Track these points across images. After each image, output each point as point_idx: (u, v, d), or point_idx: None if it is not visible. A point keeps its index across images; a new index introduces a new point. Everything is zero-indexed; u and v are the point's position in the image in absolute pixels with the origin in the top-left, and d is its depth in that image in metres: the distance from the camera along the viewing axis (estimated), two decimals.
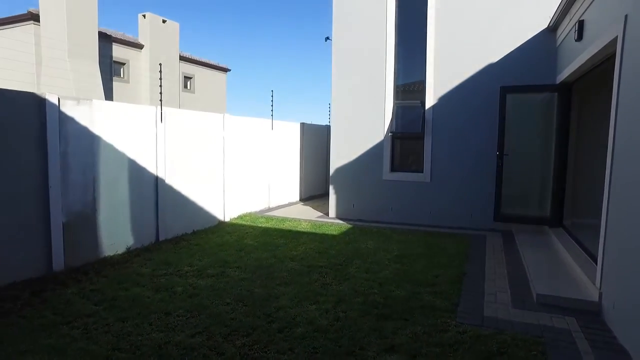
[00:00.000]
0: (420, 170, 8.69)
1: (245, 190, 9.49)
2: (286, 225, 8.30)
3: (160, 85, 6.98)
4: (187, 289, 4.85)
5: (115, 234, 6.19)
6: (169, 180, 7.15)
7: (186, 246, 6.69)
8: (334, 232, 7.76)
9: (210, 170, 8.21)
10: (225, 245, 6.77)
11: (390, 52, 8.66)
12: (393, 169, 8.89)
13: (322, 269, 5.60)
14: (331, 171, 9.35)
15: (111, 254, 6.07)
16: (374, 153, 8.91)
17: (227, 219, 8.70)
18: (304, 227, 8.16)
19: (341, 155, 9.20)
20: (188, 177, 7.61)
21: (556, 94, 7.15)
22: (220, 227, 8.10)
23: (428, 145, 8.49)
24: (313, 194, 12.67)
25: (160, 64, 7.92)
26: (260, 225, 8.33)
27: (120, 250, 6.24)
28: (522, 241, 6.81)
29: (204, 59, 20.73)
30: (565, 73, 6.75)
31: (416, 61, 8.67)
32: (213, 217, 8.34)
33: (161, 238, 6.98)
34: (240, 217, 9.08)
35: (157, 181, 6.91)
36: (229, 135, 8.66)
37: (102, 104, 6.03)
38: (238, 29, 49.68)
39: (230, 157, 8.73)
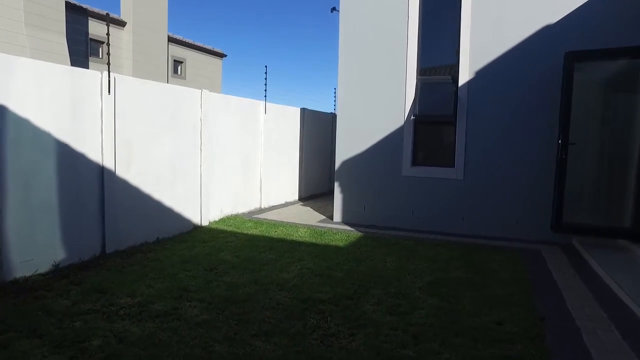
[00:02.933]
0: (450, 164, 6.85)
1: (230, 186, 7.69)
2: (279, 233, 6.49)
3: (108, 44, 5.17)
4: (107, 342, 3.06)
5: (34, 246, 4.39)
6: (122, 173, 5.36)
7: (140, 262, 4.90)
8: (340, 243, 5.94)
9: (183, 161, 6.41)
10: (192, 261, 4.98)
11: (413, 9, 6.82)
12: (415, 162, 7.06)
13: (323, 305, 3.79)
14: (337, 165, 7.52)
15: (26, 275, 4.29)
16: (391, 142, 7.08)
17: (205, 223, 6.91)
18: (301, 236, 6.35)
19: (349, 144, 7.38)
20: (151, 169, 5.81)
21: None
22: (194, 234, 6.30)
23: (461, 133, 6.65)
24: (315, 193, 10.86)
25: (107, 14, 6.11)
26: (246, 231, 6.52)
27: (43, 268, 4.46)
28: (600, 260, 4.96)
29: (197, 43, 18.92)
30: None
31: (446, 26, 6.83)
32: (186, 221, 6.55)
33: (109, 249, 5.19)
34: (222, 220, 7.27)
35: (102, 174, 5.11)
36: (209, 117, 6.85)
37: (13, 60, 4.23)
38: (236, 12, 47.45)
39: (210, 144, 6.92)
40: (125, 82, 5.40)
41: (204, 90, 6.82)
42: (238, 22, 46.91)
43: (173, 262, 4.91)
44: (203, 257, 5.16)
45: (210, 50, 19.84)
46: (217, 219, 7.27)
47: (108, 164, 5.15)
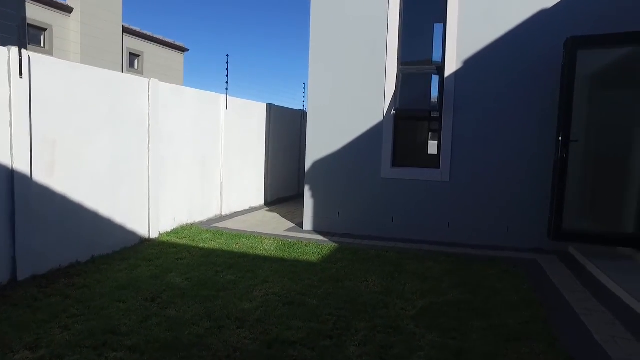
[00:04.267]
0: (434, 165, 6.14)
1: (185, 191, 6.69)
2: (241, 246, 5.57)
3: (24, 18, 4.13)
4: None
5: None
6: (41, 177, 4.30)
7: (61, 291, 3.87)
8: (312, 258, 5.09)
9: (127, 162, 5.38)
10: (131, 286, 3.99)
11: None
12: (396, 163, 6.31)
13: (294, 349, 2.92)
14: (307, 166, 6.67)
15: None
16: (368, 140, 6.29)
17: (154, 235, 5.89)
18: (266, 249, 5.45)
19: (321, 143, 6.53)
20: (83, 172, 4.76)
21: None
22: (140, 249, 5.28)
23: (447, 129, 5.95)
24: (283, 196, 9.97)
25: None
26: (202, 245, 5.56)
27: None
28: (609, 272, 4.33)
29: (156, 35, 17.59)
30: None
31: (432, 11, 6.12)
32: (131, 234, 5.51)
33: (22, 275, 4.10)
34: (176, 231, 6.27)
35: (12, 179, 4.04)
36: (159, 112, 5.84)
37: None
38: (200, 5, 45.43)
39: (160, 143, 5.91)
40: (45, 64, 4.34)
41: (152, 79, 5.80)
42: (202, 16, 45.21)
43: (105, 290, 3.90)
44: (145, 280, 4.17)
45: (171, 43, 18.56)
46: (169, 230, 6.25)
47: (21, 166, 4.07)
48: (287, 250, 5.41)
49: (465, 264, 4.91)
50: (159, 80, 5.92)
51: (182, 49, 19.40)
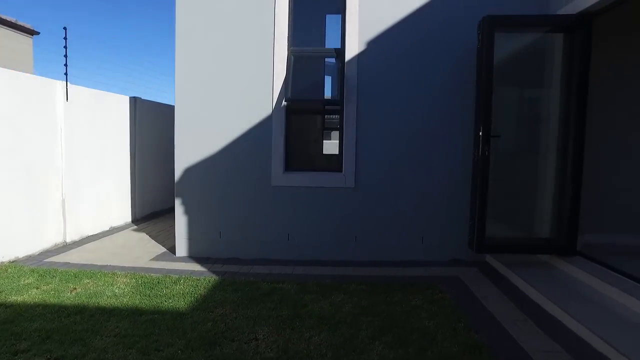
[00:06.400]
0: (337, 168, 5.10)
1: (2, 212, 4.73)
2: (79, 293, 3.88)
3: None
4: None
5: None
6: None
7: None
8: (182, 304, 3.66)
9: None
10: None
11: None
12: (290, 167, 5.13)
13: None
14: (177, 174, 5.15)
15: None
16: (254, 139, 5.01)
17: None
18: (117, 294, 3.87)
19: (194, 145, 5.07)
20: None
21: (575, 32, 4.20)
22: None
23: (350, 125, 4.93)
24: (159, 209, 8.19)
25: None
26: (12, 299, 3.74)
27: None
28: (543, 290, 3.67)
29: None
30: None
31: None
32: None
33: None
34: None
35: None
36: None
37: None
38: None
39: None
40: None
41: None
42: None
43: None
44: None
45: (13, 23, 15.14)
46: None
47: None
48: (148, 293, 3.89)
49: (384, 293, 3.91)
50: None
51: (30, 31, 16.01)
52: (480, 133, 4.15)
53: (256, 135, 4.97)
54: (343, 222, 5.02)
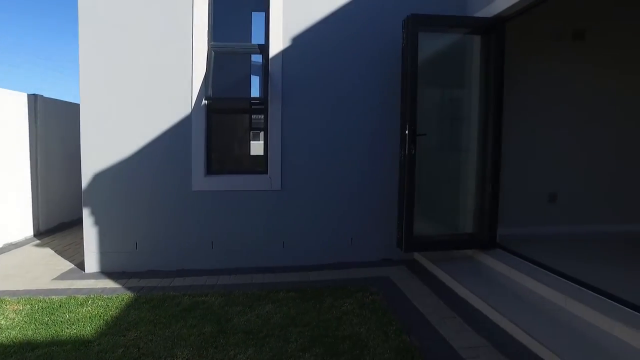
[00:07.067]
0: (262, 170, 4.87)
1: None
2: None
3: None
4: None
5: None
6: None
7: None
8: (87, 330, 3.22)
9: None
10: None
11: None
12: (212, 170, 4.81)
13: None
14: (85, 181, 4.60)
15: None
16: (172, 140, 4.62)
17: None
18: (2, 327, 3.31)
19: (105, 148, 4.57)
20: None
21: (491, 35, 4.35)
22: None
23: (275, 124, 4.73)
24: (67, 220, 7.37)
25: None
26: None
27: None
28: (468, 285, 3.75)
29: None
30: (506, 0, 4.00)
31: None
32: None
33: None
34: None
35: None
36: None
37: None
38: None
39: None
40: None
41: None
42: None
43: None
44: None
45: None
46: None
47: None
48: (46, 320, 3.39)
49: (313, 300, 3.76)
50: None
51: None
52: (407, 132, 4.16)
53: (174, 136, 4.59)
54: (270, 227, 4.80)
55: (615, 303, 3.01)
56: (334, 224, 4.89)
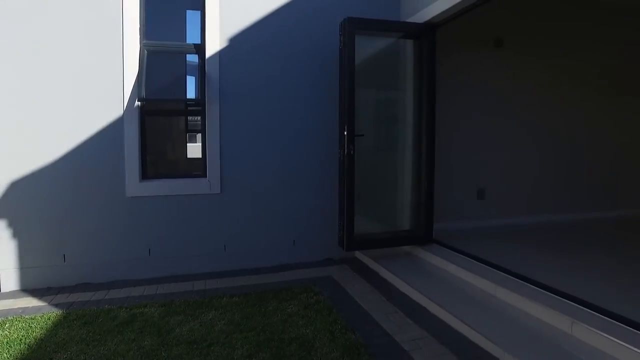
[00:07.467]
0: (200, 173, 4.73)
1: None
2: None
3: None
4: None
5: None
6: None
7: None
8: (6, 357, 2.94)
9: None
10: None
11: None
12: (148, 174, 4.59)
13: None
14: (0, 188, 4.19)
15: None
16: (104, 145, 4.34)
17: None
18: None
19: (25, 152, 4.18)
20: None
21: (422, 39, 4.57)
22: None
23: (214, 126, 4.61)
24: None
25: None
26: None
27: None
28: (408, 279, 3.90)
29: None
30: (436, 7, 4.21)
31: None
32: None
33: None
34: None
35: None
36: None
37: None
38: None
39: None
40: None
41: None
42: None
43: None
44: None
45: None
46: None
47: None
48: None
49: (257, 304, 3.71)
50: None
51: None
52: (345, 132, 4.25)
53: (106, 139, 4.31)
54: (211, 231, 4.68)
55: (535, 287, 3.30)
56: (276, 226, 4.87)
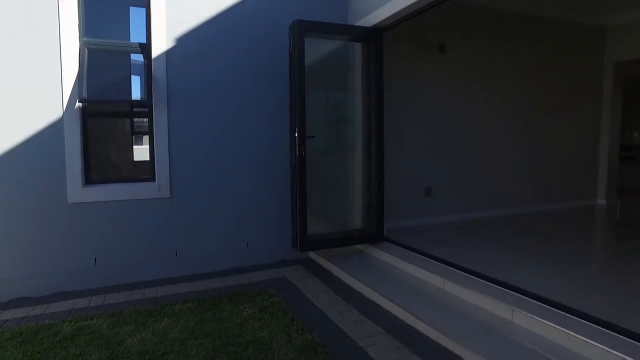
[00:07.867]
0: (149, 177, 4.57)
1: None
2: None
3: None
4: None
5: None
6: None
7: None
8: None
9: None
10: None
11: None
12: (92, 179, 4.37)
13: None
14: None
15: None
16: (42, 149, 4.08)
17: None
18: None
19: None
20: None
21: (370, 43, 4.69)
22: None
23: (161, 128, 4.48)
24: None
25: None
26: None
27: None
28: (361, 277, 4.00)
29: None
30: (383, 11, 4.35)
31: None
32: None
33: None
34: None
35: None
36: None
37: None
38: None
39: None
40: None
41: None
42: None
43: None
44: None
45: None
46: None
47: None
48: None
49: (212, 309, 3.66)
50: None
51: None
52: (296, 134, 4.28)
53: (43, 143, 4.05)
54: (161, 236, 4.54)
55: (480, 279, 3.51)
56: (229, 229, 4.81)
